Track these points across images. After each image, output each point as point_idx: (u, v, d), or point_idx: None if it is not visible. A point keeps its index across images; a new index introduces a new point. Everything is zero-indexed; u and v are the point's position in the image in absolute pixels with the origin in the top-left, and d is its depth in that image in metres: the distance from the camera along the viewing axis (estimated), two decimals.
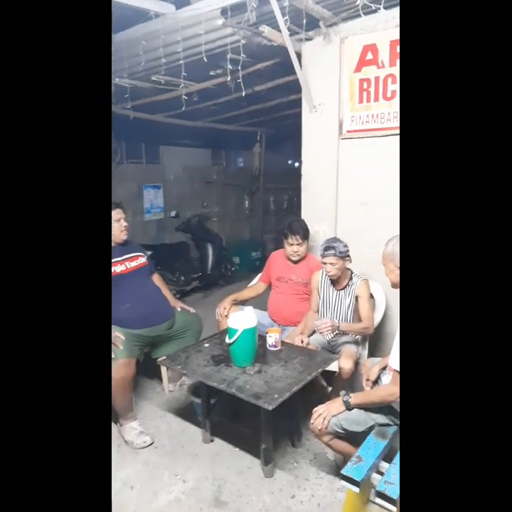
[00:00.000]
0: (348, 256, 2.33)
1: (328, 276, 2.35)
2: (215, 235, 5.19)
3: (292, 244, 2.60)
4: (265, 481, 1.94)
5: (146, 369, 2.81)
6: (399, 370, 1.45)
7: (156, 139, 5.61)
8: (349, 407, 1.64)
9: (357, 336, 2.40)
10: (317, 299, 2.48)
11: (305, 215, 2.98)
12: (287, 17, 2.24)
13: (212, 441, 2.23)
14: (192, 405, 2.44)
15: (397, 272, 1.59)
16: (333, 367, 2.23)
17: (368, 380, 1.88)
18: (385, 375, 1.82)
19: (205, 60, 2.55)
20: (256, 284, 2.92)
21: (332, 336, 2.38)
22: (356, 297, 2.35)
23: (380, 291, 2.62)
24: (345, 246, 2.33)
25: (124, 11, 2.58)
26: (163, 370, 2.74)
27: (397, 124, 2.49)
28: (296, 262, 2.68)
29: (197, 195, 6.06)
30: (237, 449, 2.16)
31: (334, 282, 2.40)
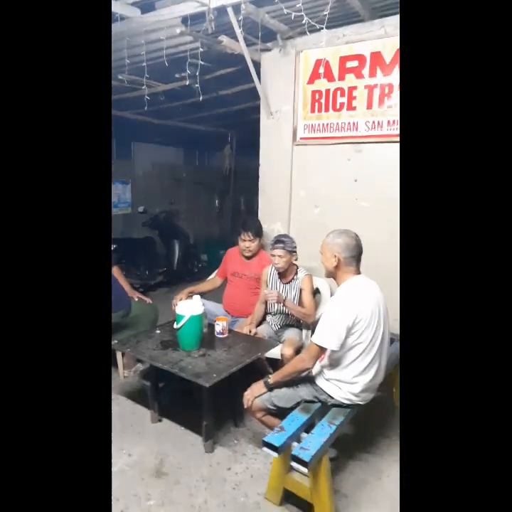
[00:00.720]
0: (295, 252, 2.53)
1: (276, 268, 2.54)
2: (182, 232, 5.32)
3: (245, 241, 2.77)
4: (205, 456, 2.10)
5: None
6: (316, 343, 1.67)
7: (128, 135, 5.69)
8: (269, 387, 1.84)
9: (301, 323, 2.59)
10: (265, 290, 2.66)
11: (262, 214, 3.17)
12: (241, 29, 2.41)
13: (160, 421, 2.38)
14: (144, 389, 2.58)
15: (333, 260, 1.77)
16: (277, 355, 2.42)
17: None
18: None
19: (166, 64, 2.70)
20: (213, 278, 3.08)
21: (277, 325, 2.57)
22: (300, 290, 2.55)
23: (325, 286, 2.82)
24: (293, 243, 2.53)
25: None
26: (119, 356, 2.86)
27: (344, 133, 2.71)
28: (249, 258, 2.85)
29: (166, 192, 6.17)
30: (183, 428, 2.32)
31: (281, 276, 2.59)
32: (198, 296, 2.32)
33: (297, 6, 2.20)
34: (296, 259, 2.56)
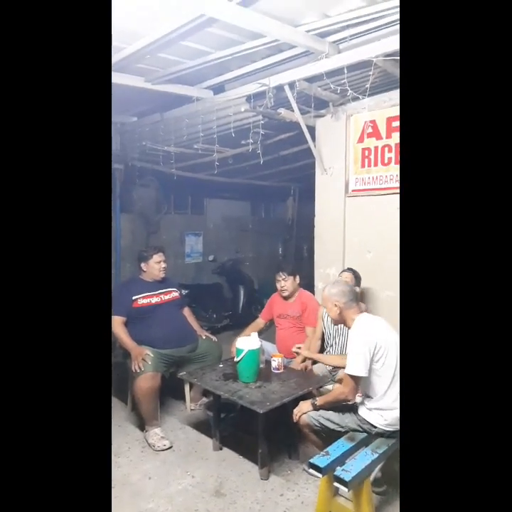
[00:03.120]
0: (360, 284, 2.78)
1: None
2: (247, 278, 5.69)
3: (280, 280, 2.98)
4: (260, 482, 2.27)
5: (173, 391, 3.25)
6: (349, 374, 1.87)
7: (201, 193, 6.37)
8: (315, 407, 2.04)
9: None
10: (321, 326, 2.85)
11: (317, 259, 3.43)
12: (295, 103, 2.83)
13: (221, 449, 2.59)
14: (208, 420, 2.82)
15: (335, 308, 2.03)
16: None
17: None
18: None
19: (233, 135, 3.18)
20: (256, 321, 3.24)
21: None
22: None
23: None
24: (360, 277, 2.84)
25: (173, 96, 3.33)
26: (187, 390, 3.16)
27: (392, 185, 2.94)
28: (287, 298, 3.04)
29: (234, 242, 6.69)
30: (241, 457, 2.50)
31: None
32: (256, 333, 2.57)
33: (342, 81, 2.57)
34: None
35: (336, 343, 2.80)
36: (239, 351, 2.43)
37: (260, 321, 3.22)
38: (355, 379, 1.87)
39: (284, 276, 2.97)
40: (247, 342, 2.44)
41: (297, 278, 3.06)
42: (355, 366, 1.86)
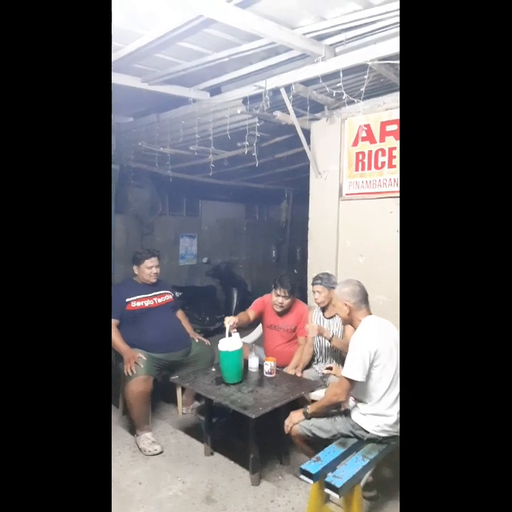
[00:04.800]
0: (334, 288, 2.71)
1: (316, 303, 2.75)
2: (240, 281, 5.67)
3: (279, 296, 2.87)
4: (251, 488, 2.24)
5: (165, 394, 3.22)
6: (345, 376, 1.85)
7: (196, 195, 6.35)
8: (307, 416, 2.01)
9: None
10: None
11: (311, 262, 3.41)
12: (291, 106, 2.82)
13: (212, 454, 2.57)
14: (199, 425, 2.79)
15: (345, 308, 2.01)
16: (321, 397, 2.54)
17: None
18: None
19: (229, 137, 3.17)
20: (247, 311, 3.10)
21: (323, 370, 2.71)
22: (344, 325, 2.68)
23: None
24: (332, 278, 2.78)
25: (170, 97, 3.31)
26: (178, 394, 3.13)
27: (385, 189, 2.93)
28: (280, 314, 2.96)
29: (227, 244, 6.67)
30: (232, 462, 2.48)
31: (324, 311, 2.79)
32: (237, 334, 2.52)
33: (338, 84, 2.56)
34: None
35: (324, 348, 2.79)
36: (221, 353, 2.41)
37: (251, 312, 3.06)
38: (351, 382, 1.85)
39: (285, 294, 2.84)
40: (229, 343, 2.42)
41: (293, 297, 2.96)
42: (353, 370, 1.85)
